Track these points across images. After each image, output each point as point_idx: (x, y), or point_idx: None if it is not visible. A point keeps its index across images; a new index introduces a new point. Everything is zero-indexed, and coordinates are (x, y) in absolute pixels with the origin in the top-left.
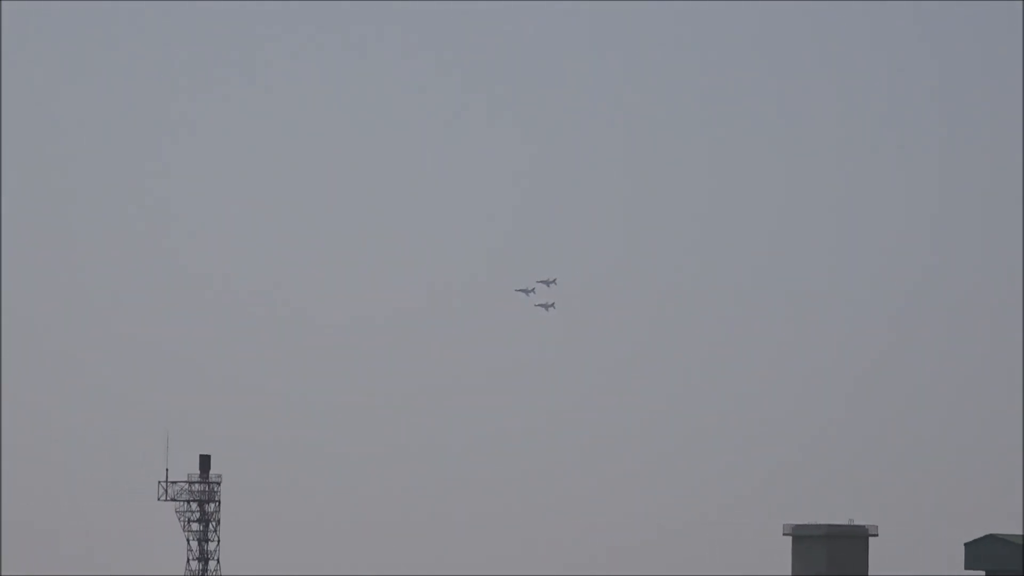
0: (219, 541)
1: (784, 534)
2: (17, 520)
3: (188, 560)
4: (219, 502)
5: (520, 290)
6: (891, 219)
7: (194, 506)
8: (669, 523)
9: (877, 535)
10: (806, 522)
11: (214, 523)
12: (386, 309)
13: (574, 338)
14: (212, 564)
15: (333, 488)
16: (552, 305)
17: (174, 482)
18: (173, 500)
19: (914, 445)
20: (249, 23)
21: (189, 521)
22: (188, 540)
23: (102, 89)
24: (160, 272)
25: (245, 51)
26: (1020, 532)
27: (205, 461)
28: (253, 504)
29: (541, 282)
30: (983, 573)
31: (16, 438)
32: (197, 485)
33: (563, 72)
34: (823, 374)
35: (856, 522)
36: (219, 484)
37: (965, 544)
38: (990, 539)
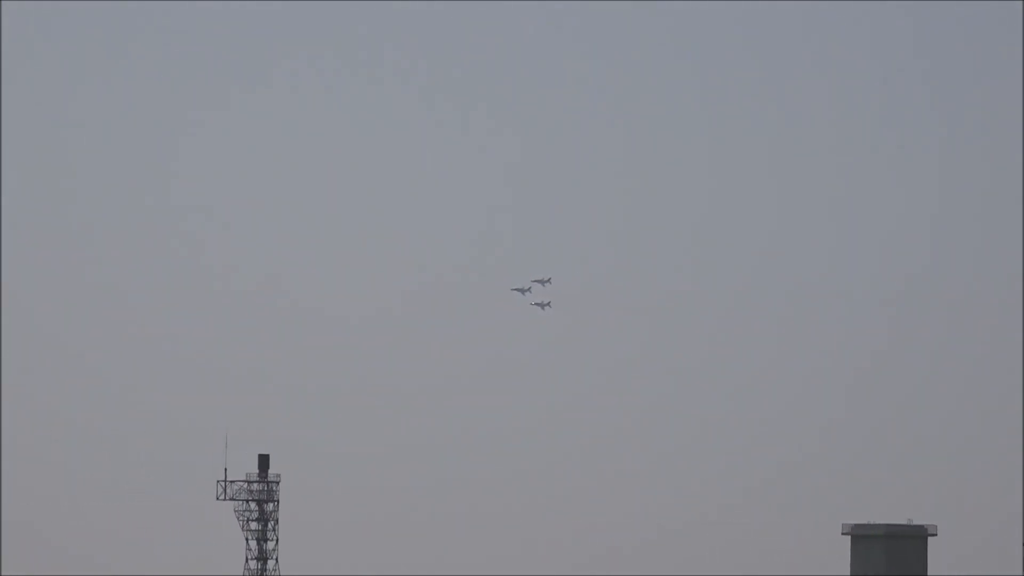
0: (277, 540)
1: (843, 533)
2: (80, 519)
3: (247, 560)
4: (278, 501)
5: (516, 289)
6: (889, 219)
7: (253, 505)
8: (697, 520)
9: (936, 535)
10: (864, 521)
11: (272, 522)
12: (387, 306)
13: (571, 337)
14: (271, 564)
15: (391, 487)
16: (548, 304)
17: (233, 481)
18: (232, 499)
19: (971, 443)
20: (247, 23)
21: (248, 520)
22: (247, 540)
23: (105, 89)
24: (211, 275)
25: (245, 51)
26: None
27: (264, 460)
28: (312, 503)
29: (536, 281)
30: None
31: (77, 438)
32: (256, 484)
33: (558, 71)
34: (828, 373)
35: (915, 522)
36: (278, 483)
37: None
38: None
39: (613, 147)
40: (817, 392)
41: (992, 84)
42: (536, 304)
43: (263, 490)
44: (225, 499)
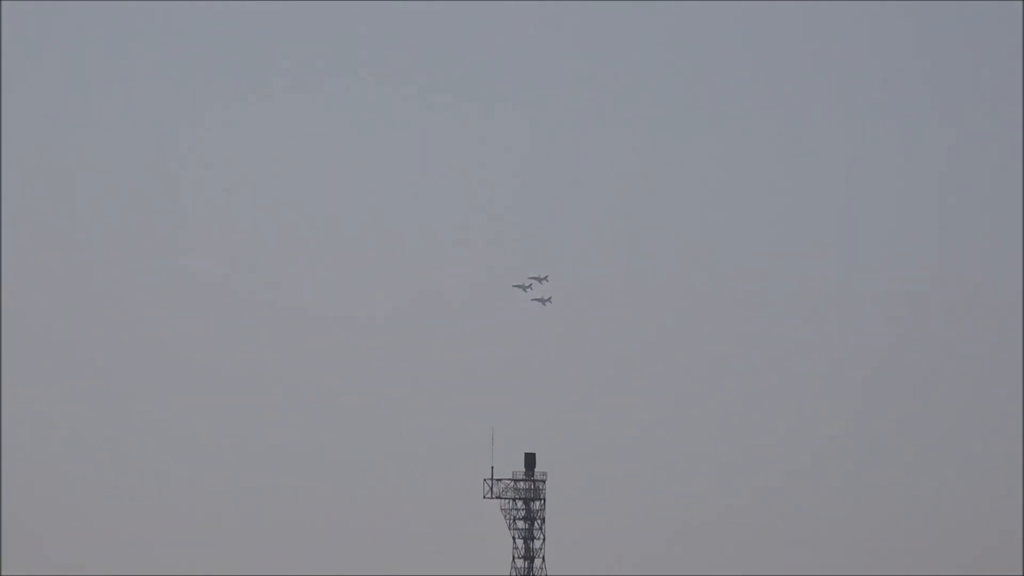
0: (544, 539)
1: None
2: (354, 520)
3: (514, 558)
4: (544, 500)
5: (517, 286)
6: (889, 219)
7: (519, 504)
8: (700, 519)
9: None
10: None
11: (539, 521)
12: (387, 307)
13: (575, 333)
14: (537, 562)
15: (652, 486)
16: (549, 300)
17: (499, 480)
18: (499, 498)
19: (972, 443)
20: (248, 23)
21: (515, 519)
22: (513, 538)
23: (105, 90)
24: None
25: (245, 52)
26: None
27: (530, 459)
28: (578, 502)
29: (533, 278)
30: None
31: (350, 438)
32: (522, 483)
33: (558, 69)
34: (829, 369)
35: None
36: (544, 482)
37: None
38: None
39: (610, 145)
40: (820, 389)
41: (992, 84)
42: (536, 300)
43: (530, 488)
44: (492, 497)
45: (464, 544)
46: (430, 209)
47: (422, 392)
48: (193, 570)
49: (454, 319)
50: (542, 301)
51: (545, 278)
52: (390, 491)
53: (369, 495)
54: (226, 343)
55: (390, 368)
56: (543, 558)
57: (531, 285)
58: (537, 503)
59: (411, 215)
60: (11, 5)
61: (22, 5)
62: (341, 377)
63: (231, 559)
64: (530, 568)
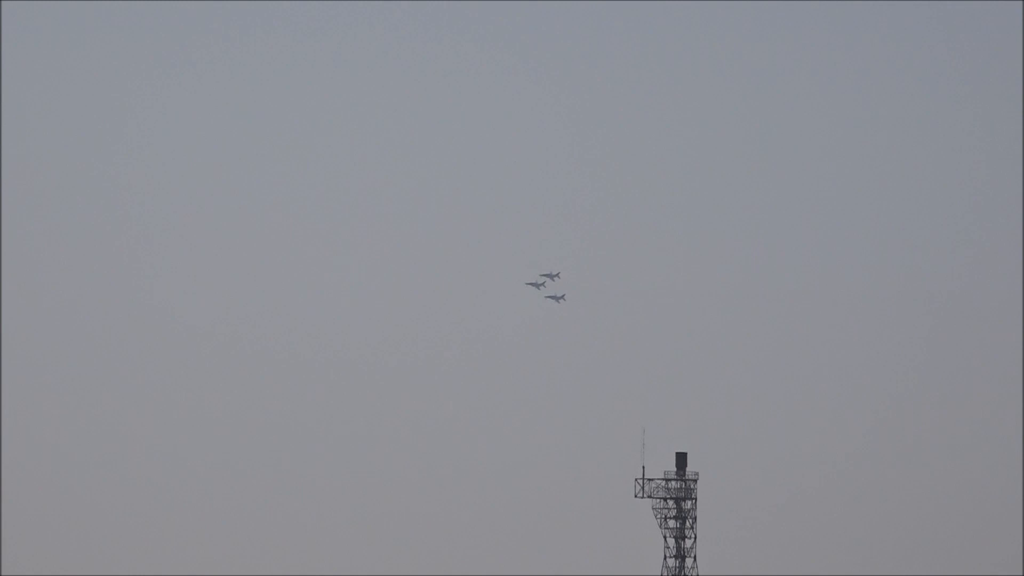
0: (695, 539)
1: None
2: (512, 520)
3: (665, 557)
4: (695, 499)
5: (531, 283)
6: (888, 219)
7: (670, 503)
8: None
9: None
10: None
11: (691, 520)
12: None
13: (589, 330)
14: (688, 562)
15: (803, 484)
16: (563, 297)
17: (651, 479)
18: (650, 497)
19: (972, 442)
20: (240, 21)
21: (666, 518)
22: (665, 537)
23: (94, 89)
24: None
25: (242, 52)
26: None
27: (681, 458)
28: (730, 501)
29: (545, 275)
30: None
31: (503, 439)
32: (673, 483)
33: (566, 65)
34: (838, 367)
35: None
36: (696, 481)
37: None
38: None
39: (615, 145)
40: (825, 386)
41: (992, 84)
42: (551, 297)
43: (681, 488)
44: (643, 497)
45: (615, 543)
46: (431, 205)
47: (575, 392)
48: (612, 567)
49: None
50: (556, 299)
51: (557, 275)
52: (543, 491)
53: (523, 495)
54: (647, 342)
55: (540, 368)
56: (694, 557)
57: (544, 283)
58: (688, 502)
59: (414, 213)
60: (11, 5)
61: (22, 5)
62: (484, 379)
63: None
64: (681, 567)
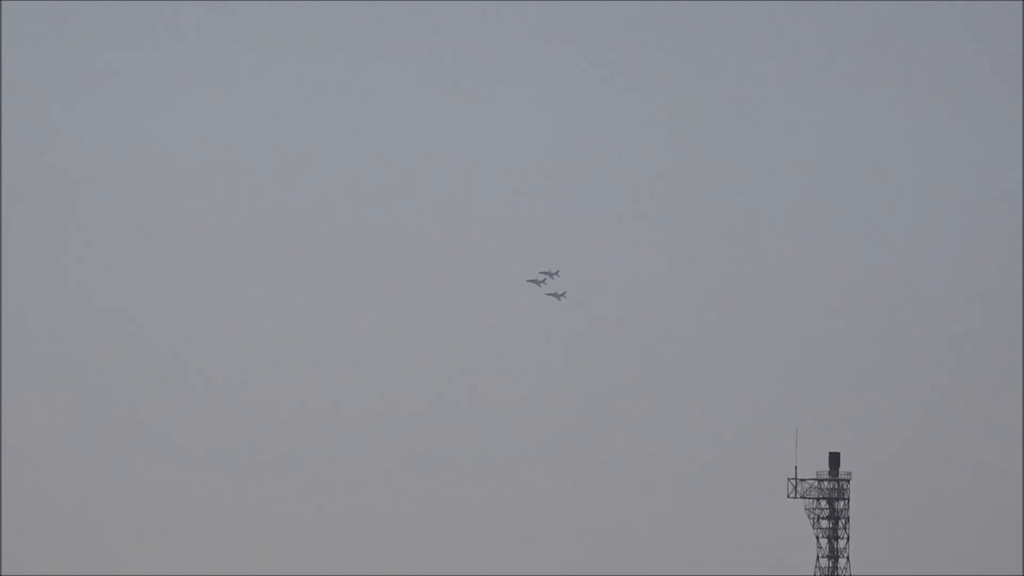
0: (848, 539)
1: None
2: (663, 519)
3: (818, 558)
4: (848, 499)
5: (531, 281)
6: (888, 218)
7: (823, 503)
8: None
9: None
10: None
11: (843, 520)
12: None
13: (591, 327)
14: (842, 562)
15: (956, 485)
16: (563, 294)
17: (803, 479)
18: (802, 497)
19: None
20: (240, 22)
21: (818, 519)
22: (817, 538)
23: (94, 90)
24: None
25: (241, 52)
26: None
27: (834, 458)
28: (884, 502)
29: (544, 273)
30: None
31: (655, 438)
32: (826, 483)
33: (564, 65)
34: (843, 359)
35: None
36: (848, 481)
37: None
38: None
39: (616, 142)
40: (978, 385)
41: (992, 84)
42: (551, 295)
43: (834, 488)
44: (796, 497)
45: (768, 543)
46: (429, 203)
47: (729, 392)
48: (765, 567)
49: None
50: (557, 296)
51: (556, 273)
52: (698, 491)
53: (678, 494)
54: (795, 343)
55: (695, 368)
56: (847, 558)
57: (544, 280)
58: (841, 502)
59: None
60: (11, 5)
61: (22, 5)
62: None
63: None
64: (834, 567)
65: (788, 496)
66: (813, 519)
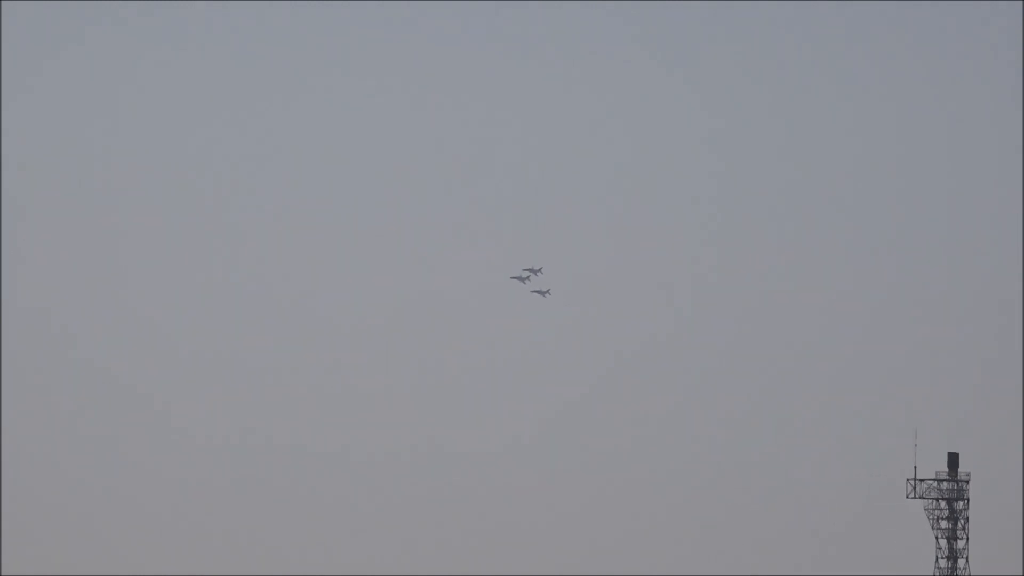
0: (967, 540)
1: None
2: (773, 519)
3: (937, 559)
4: (968, 500)
5: (515, 278)
6: (887, 219)
7: (942, 504)
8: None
9: None
10: None
11: (963, 521)
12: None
13: (575, 323)
14: (961, 563)
15: None
16: (548, 292)
17: (922, 480)
18: (921, 498)
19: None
20: (240, 22)
21: (938, 519)
22: (936, 538)
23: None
24: None
25: (237, 51)
26: None
27: (953, 459)
28: (1002, 502)
29: (528, 270)
30: None
31: (778, 437)
32: (945, 483)
33: (548, 65)
34: (824, 357)
35: None
36: (968, 482)
37: None
38: None
39: (598, 142)
40: (948, 380)
41: (992, 84)
42: (536, 292)
43: (953, 489)
44: (915, 497)
45: (887, 544)
46: (416, 202)
47: (849, 392)
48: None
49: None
50: (541, 293)
51: (539, 270)
52: (817, 491)
53: (797, 495)
54: (916, 345)
55: (813, 370)
56: (967, 559)
57: (529, 277)
58: (960, 503)
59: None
60: (11, 5)
61: (22, 5)
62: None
63: None
64: (953, 568)
65: (907, 496)
66: (932, 520)
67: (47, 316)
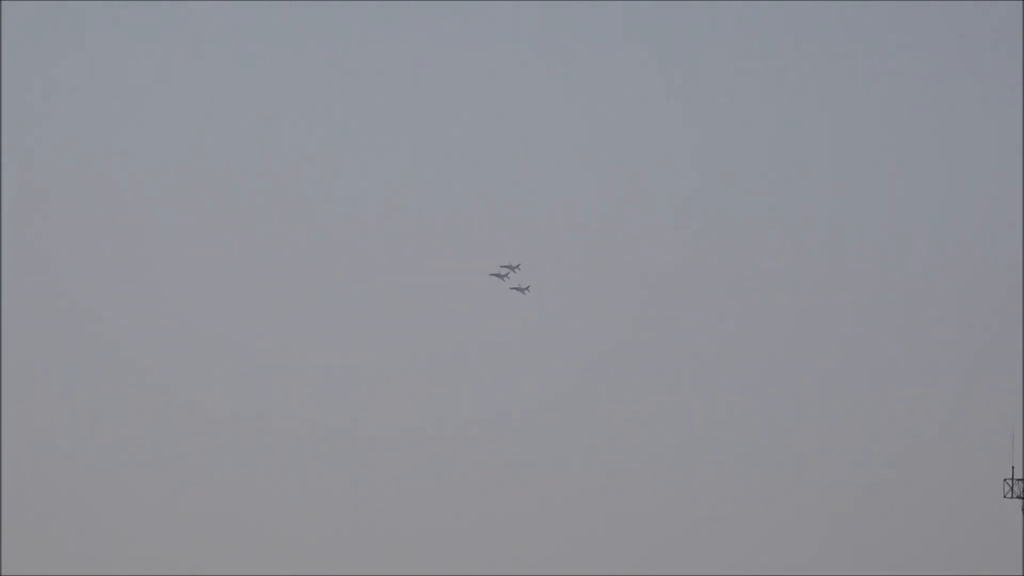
0: None
1: None
2: (868, 519)
3: None
4: None
5: (494, 275)
6: (886, 218)
7: None
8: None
9: None
10: None
11: None
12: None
13: (557, 320)
14: None
15: None
16: (527, 288)
17: (1020, 480)
18: (1019, 498)
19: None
20: (241, 22)
21: None
22: None
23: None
24: None
25: (233, 52)
26: None
27: None
28: None
29: (505, 267)
30: None
31: (865, 441)
32: None
33: (527, 61)
34: (808, 352)
35: None
36: None
37: None
38: None
39: (578, 139)
40: (799, 373)
41: (992, 84)
42: (515, 288)
43: None
44: (1012, 497)
45: (983, 544)
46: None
47: (948, 391)
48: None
49: None
50: (520, 290)
51: (517, 267)
52: (915, 490)
53: (891, 493)
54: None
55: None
56: None
57: (508, 274)
58: None
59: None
60: (11, 5)
61: (22, 5)
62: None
63: None
64: None
65: (1004, 496)
66: None
67: (47, 316)
